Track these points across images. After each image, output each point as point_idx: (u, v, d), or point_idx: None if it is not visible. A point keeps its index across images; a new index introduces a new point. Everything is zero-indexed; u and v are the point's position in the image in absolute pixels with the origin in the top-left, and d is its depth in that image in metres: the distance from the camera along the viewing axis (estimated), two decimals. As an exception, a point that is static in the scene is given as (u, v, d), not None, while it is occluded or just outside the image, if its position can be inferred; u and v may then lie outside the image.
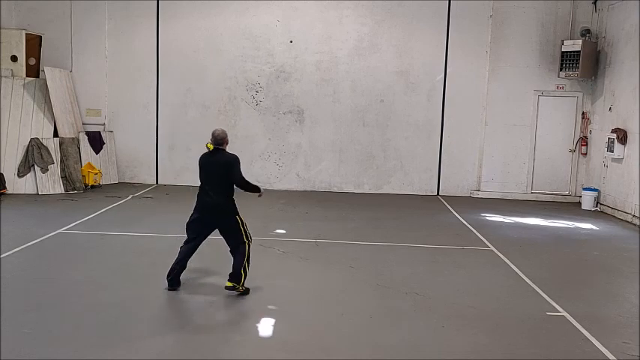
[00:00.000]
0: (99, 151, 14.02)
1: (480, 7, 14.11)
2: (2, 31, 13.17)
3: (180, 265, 6.97)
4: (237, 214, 6.96)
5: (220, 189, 6.84)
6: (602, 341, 5.87)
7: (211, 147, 6.92)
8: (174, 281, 6.94)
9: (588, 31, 13.74)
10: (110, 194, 12.85)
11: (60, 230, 9.51)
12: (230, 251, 6.95)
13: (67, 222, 10.04)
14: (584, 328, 6.21)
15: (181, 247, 7.08)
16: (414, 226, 11.15)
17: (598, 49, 13.68)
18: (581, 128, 14.32)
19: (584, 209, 13.40)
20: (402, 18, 14.26)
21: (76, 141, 13.47)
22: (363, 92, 14.43)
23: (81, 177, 13.22)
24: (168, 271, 6.94)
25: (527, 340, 5.95)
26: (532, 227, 11.40)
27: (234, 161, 6.91)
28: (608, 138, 12.87)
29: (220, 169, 6.84)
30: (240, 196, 7.07)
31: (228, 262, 6.92)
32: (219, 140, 6.89)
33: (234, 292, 6.79)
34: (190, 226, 7.00)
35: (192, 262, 8.21)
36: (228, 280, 6.80)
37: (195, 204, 6.98)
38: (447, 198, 14.13)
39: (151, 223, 10.45)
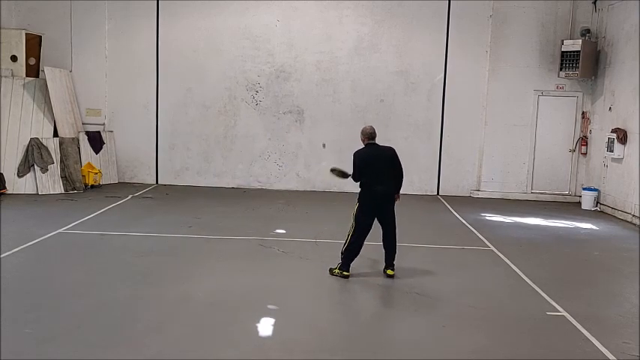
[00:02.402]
0: (99, 151, 14.02)
1: (480, 7, 14.11)
2: (2, 31, 13.17)
3: (357, 254, 7.64)
4: (398, 197, 7.87)
5: (390, 179, 7.63)
6: (602, 341, 5.87)
7: (336, 172, 8.02)
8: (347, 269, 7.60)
9: (588, 30, 13.73)
10: (110, 194, 12.85)
11: (60, 230, 9.51)
12: (385, 238, 7.72)
13: (67, 222, 10.04)
14: (584, 328, 6.21)
15: (359, 239, 7.59)
16: (414, 226, 11.13)
17: (598, 48, 13.68)
18: (581, 128, 14.32)
19: (584, 209, 13.41)
20: (402, 18, 14.26)
21: (75, 141, 13.47)
22: (363, 92, 14.42)
23: (81, 177, 13.22)
24: (349, 262, 7.59)
25: (527, 340, 5.95)
26: (532, 227, 11.40)
27: (396, 153, 7.76)
28: (608, 138, 12.87)
29: (388, 161, 7.65)
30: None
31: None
32: (374, 135, 7.69)
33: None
34: (364, 218, 7.56)
35: (193, 264, 8.22)
36: (390, 269, 7.65)
37: (363, 195, 7.59)
38: (447, 198, 14.13)
39: (150, 223, 10.44)
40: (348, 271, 7.56)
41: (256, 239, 9.43)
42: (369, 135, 7.66)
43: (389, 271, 7.69)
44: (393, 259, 7.76)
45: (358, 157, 7.65)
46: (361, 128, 7.86)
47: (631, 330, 6.28)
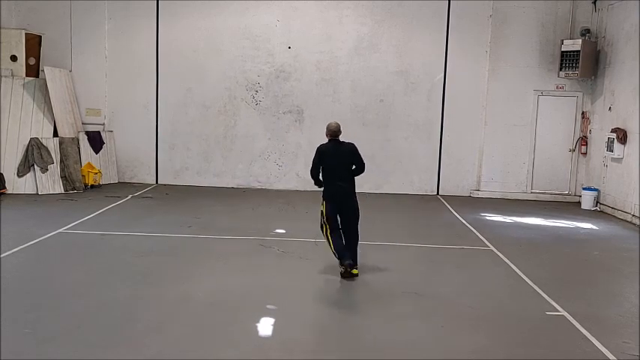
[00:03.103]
0: (99, 151, 14.01)
1: (480, 7, 14.11)
2: (2, 30, 13.17)
3: (345, 248, 7.63)
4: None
5: (349, 175, 7.72)
6: (602, 341, 5.87)
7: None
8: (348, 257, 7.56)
9: (588, 30, 13.73)
10: (110, 194, 12.85)
11: (60, 230, 9.52)
12: (347, 235, 7.66)
13: (67, 222, 10.04)
14: (584, 327, 6.21)
15: (335, 235, 7.65)
16: (414, 226, 11.15)
17: (598, 48, 13.68)
18: (581, 128, 14.32)
19: (584, 209, 13.40)
20: (402, 18, 14.26)
21: (75, 141, 13.47)
22: (363, 92, 14.43)
23: (81, 177, 13.21)
24: (343, 257, 7.53)
25: (527, 340, 5.95)
26: (532, 227, 11.40)
27: (356, 148, 7.76)
28: (608, 138, 12.87)
29: (347, 157, 7.71)
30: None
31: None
32: (338, 131, 7.76)
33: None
34: (332, 214, 7.64)
35: (185, 263, 8.22)
36: (354, 268, 7.51)
37: (327, 192, 7.68)
38: (447, 198, 14.13)
39: (150, 223, 10.44)
40: (351, 260, 7.52)
41: (256, 239, 9.43)
42: (332, 132, 7.76)
43: (353, 271, 7.54)
44: (356, 257, 7.67)
45: (318, 151, 7.79)
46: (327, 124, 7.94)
47: (631, 330, 6.28)
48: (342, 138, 7.87)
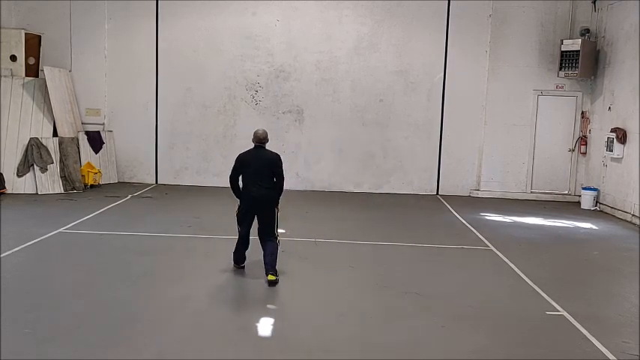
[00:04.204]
0: (98, 151, 14.01)
1: (480, 7, 14.11)
2: (2, 30, 13.16)
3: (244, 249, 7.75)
4: (277, 206, 7.53)
5: (268, 182, 7.46)
6: (601, 341, 5.87)
7: None
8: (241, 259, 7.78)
9: (588, 30, 13.74)
10: (109, 194, 12.84)
11: (60, 230, 9.51)
12: (261, 241, 7.49)
13: (67, 222, 10.03)
14: (584, 327, 6.21)
15: (237, 243, 7.69)
16: (414, 226, 11.15)
17: (597, 48, 13.68)
18: (581, 128, 14.32)
19: (584, 209, 13.40)
20: (401, 18, 14.26)
21: (75, 141, 13.46)
22: (362, 92, 14.42)
23: (80, 177, 13.21)
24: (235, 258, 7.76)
25: (527, 340, 5.95)
26: (532, 227, 11.40)
27: (279, 160, 7.64)
28: (608, 137, 12.87)
29: (267, 165, 7.52)
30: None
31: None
32: (263, 139, 7.67)
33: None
34: (241, 220, 7.55)
35: (187, 265, 8.22)
36: (272, 274, 7.22)
37: (241, 198, 7.50)
38: (447, 197, 14.13)
39: (150, 222, 10.44)
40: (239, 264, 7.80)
41: (256, 239, 9.39)
42: (257, 138, 7.64)
43: (270, 277, 7.22)
44: (274, 263, 7.33)
45: (238, 156, 7.68)
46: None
47: (630, 329, 6.29)
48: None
